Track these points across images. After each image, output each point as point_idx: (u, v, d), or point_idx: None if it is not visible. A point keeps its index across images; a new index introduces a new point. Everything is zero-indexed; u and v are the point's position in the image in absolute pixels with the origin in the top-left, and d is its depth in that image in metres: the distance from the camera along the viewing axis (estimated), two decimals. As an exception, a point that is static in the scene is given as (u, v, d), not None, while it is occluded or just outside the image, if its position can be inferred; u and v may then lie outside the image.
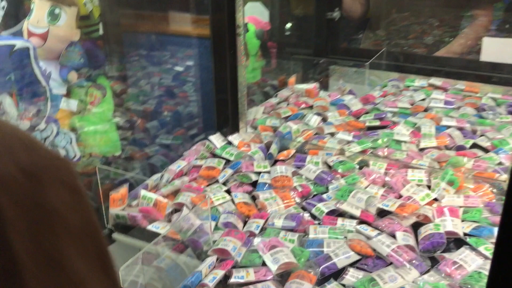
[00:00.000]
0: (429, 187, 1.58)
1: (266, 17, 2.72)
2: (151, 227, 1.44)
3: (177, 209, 1.53)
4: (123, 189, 1.54)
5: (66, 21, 1.81)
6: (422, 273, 1.22)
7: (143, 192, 1.52)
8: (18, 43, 1.61)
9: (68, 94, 1.91)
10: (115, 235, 1.53)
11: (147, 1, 2.34)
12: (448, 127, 1.93)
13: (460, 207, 1.45)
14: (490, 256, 1.03)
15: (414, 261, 1.24)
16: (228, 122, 2.01)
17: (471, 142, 1.81)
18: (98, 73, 2.03)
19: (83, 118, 1.95)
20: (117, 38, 2.16)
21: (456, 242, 1.33)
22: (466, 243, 1.30)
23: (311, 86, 2.37)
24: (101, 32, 1.98)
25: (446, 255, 1.26)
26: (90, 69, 1.98)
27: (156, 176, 1.73)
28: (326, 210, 1.46)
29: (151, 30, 2.34)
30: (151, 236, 1.44)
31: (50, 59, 1.82)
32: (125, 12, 2.31)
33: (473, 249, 1.27)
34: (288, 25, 2.95)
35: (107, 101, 2.01)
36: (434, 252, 1.29)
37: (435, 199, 1.50)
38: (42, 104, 1.75)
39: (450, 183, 1.54)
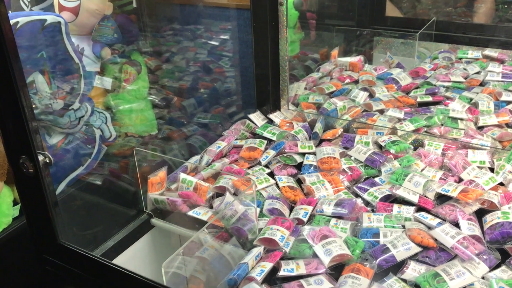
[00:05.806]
0: (491, 169, 1.44)
1: (305, -14, 2.55)
2: (191, 213, 1.36)
3: (218, 193, 1.44)
4: (162, 172, 1.46)
5: (98, -6, 1.71)
6: (492, 268, 1.10)
7: (182, 176, 1.44)
8: (49, 18, 1.52)
9: (102, 71, 1.82)
10: (154, 221, 1.46)
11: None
12: (509, 102, 1.77)
13: (530, 192, 1.31)
14: None
15: (482, 255, 1.12)
16: (268, 99, 1.89)
17: (536, 119, 1.65)
18: (132, 49, 1.94)
19: (118, 96, 1.86)
20: (151, 11, 2.05)
21: (527, 232, 1.20)
22: (541, 235, 1.17)
23: (356, 59, 2.22)
24: (134, 5, 1.88)
25: (518, 248, 1.14)
26: (123, 44, 1.89)
27: (195, 157, 1.64)
28: (379, 196, 1.35)
29: (186, 1, 2.21)
30: (190, 222, 1.36)
31: (83, 35, 1.73)
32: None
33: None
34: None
35: (142, 78, 1.92)
36: (503, 243, 1.18)
37: (501, 184, 1.36)
38: (76, 82, 1.66)
39: (517, 165, 1.40)
